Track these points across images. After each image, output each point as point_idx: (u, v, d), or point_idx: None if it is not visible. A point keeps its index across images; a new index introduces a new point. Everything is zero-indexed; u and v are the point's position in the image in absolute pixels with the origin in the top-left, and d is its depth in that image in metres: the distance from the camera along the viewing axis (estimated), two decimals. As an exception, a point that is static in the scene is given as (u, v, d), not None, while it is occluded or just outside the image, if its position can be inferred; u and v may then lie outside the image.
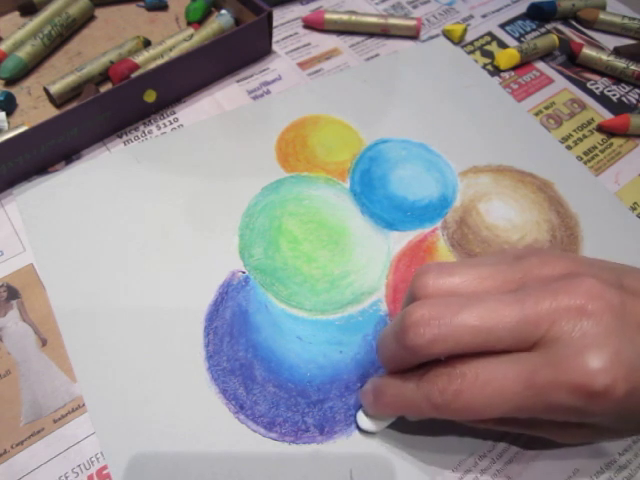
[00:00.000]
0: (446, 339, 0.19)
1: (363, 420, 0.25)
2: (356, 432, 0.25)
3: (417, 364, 0.21)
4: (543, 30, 0.44)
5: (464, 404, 0.20)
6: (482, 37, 0.44)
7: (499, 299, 0.20)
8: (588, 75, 0.41)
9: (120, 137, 0.36)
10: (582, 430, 0.22)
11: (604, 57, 0.41)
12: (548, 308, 0.19)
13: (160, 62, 0.37)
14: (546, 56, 0.42)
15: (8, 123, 0.35)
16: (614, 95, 0.40)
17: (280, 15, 0.44)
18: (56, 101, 0.36)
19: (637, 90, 0.41)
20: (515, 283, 0.21)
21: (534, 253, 0.22)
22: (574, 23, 0.45)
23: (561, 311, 0.19)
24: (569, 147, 0.37)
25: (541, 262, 0.22)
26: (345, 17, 0.42)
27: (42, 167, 0.33)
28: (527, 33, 0.44)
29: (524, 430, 0.23)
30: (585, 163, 0.36)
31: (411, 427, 0.25)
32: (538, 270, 0.21)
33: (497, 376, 0.19)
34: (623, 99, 0.40)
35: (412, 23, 0.42)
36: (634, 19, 0.44)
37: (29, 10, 0.41)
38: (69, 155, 0.34)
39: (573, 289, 0.19)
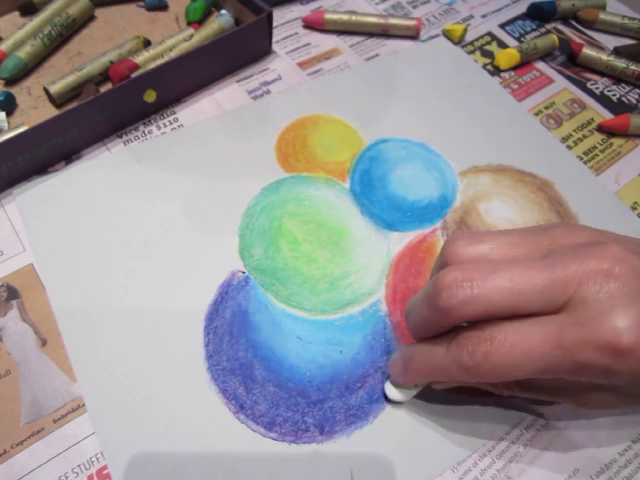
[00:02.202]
0: (478, 300, 0.20)
1: (391, 390, 0.26)
2: (356, 432, 0.25)
3: (448, 329, 0.22)
4: (543, 30, 0.44)
5: (493, 365, 0.20)
6: (482, 37, 0.44)
7: (529, 264, 0.20)
8: (588, 75, 0.41)
9: (120, 137, 0.36)
10: (605, 395, 0.22)
11: (604, 57, 0.41)
12: (576, 270, 0.20)
13: (160, 62, 0.37)
14: (546, 56, 0.42)
15: (8, 123, 0.35)
16: (614, 95, 0.40)
17: (280, 15, 0.44)
18: (56, 101, 0.36)
19: (637, 90, 0.41)
20: (543, 250, 0.21)
21: (559, 225, 0.23)
22: (574, 23, 0.45)
23: (589, 273, 0.20)
24: (569, 147, 0.37)
25: (567, 231, 0.22)
26: (345, 17, 0.42)
27: (42, 167, 0.33)
28: (527, 33, 0.44)
29: (549, 397, 0.23)
30: (585, 163, 0.36)
31: (411, 426, 0.26)
32: (564, 239, 0.22)
33: (525, 337, 0.20)
34: (623, 99, 0.40)
35: (412, 23, 0.42)
36: (634, 19, 0.44)
37: (29, 10, 0.41)
38: (69, 155, 0.34)
39: (601, 254, 0.20)
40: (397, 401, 0.26)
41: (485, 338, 0.20)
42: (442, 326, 0.22)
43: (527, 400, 0.26)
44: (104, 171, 0.34)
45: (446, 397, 0.26)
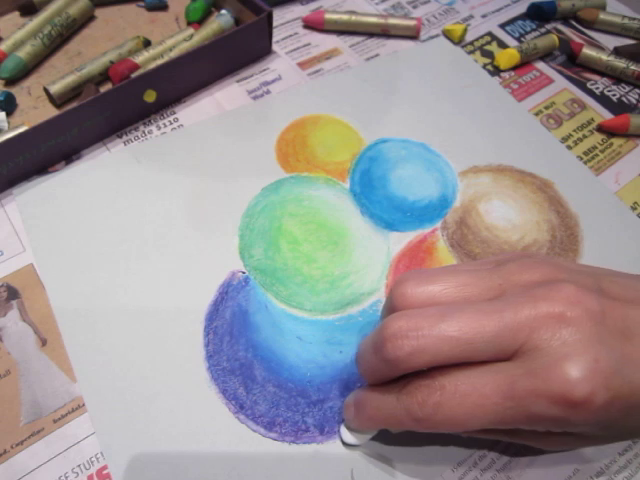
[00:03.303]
0: (425, 351, 0.19)
1: (346, 434, 0.25)
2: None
3: (397, 376, 0.21)
4: (543, 30, 0.44)
5: (444, 417, 0.19)
6: (482, 37, 0.44)
7: (478, 308, 0.19)
8: (588, 75, 0.41)
9: (120, 137, 0.36)
10: (566, 438, 0.21)
11: (604, 57, 0.41)
12: (527, 316, 0.19)
13: (160, 62, 0.37)
14: (546, 56, 0.42)
15: (8, 123, 0.35)
16: (614, 95, 0.40)
17: (280, 15, 0.44)
18: (56, 101, 0.36)
19: (637, 90, 0.41)
20: (495, 290, 0.21)
21: (513, 258, 0.22)
22: (574, 23, 0.45)
23: (540, 319, 0.19)
24: (569, 147, 0.37)
25: (520, 268, 0.21)
26: (345, 17, 0.42)
27: (42, 167, 0.33)
28: (527, 33, 0.44)
29: (508, 438, 0.22)
30: (585, 163, 0.36)
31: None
32: (518, 276, 0.21)
33: (477, 387, 0.19)
34: (623, 99, 0.40)
35: (412, 23, 0.42)
36: (634, 19, 0.44)
37: (29, 10, 0.41)
38: (69, 155, 0.34)
39: (552, 296, 0.19)
40: (353, 445, 0.25)
41: (436, 388, 0.19)
42: (391, 375, 0.21)
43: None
44: (104, 171, 0.34)
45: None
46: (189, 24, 0.41)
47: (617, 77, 0.41)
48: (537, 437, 0.22)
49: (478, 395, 0.19)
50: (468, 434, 0.22)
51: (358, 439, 0.24)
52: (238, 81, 0.39)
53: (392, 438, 0.25)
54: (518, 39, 0.44)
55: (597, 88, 0.41)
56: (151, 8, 0.43)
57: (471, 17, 0.45)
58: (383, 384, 0.22)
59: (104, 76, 0.38)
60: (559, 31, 0.44)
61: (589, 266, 0.23)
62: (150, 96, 0.36)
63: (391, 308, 0.22)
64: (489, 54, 0.42)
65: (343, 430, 0.25)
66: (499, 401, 0.19)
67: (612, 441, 0.23)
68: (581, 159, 0.36)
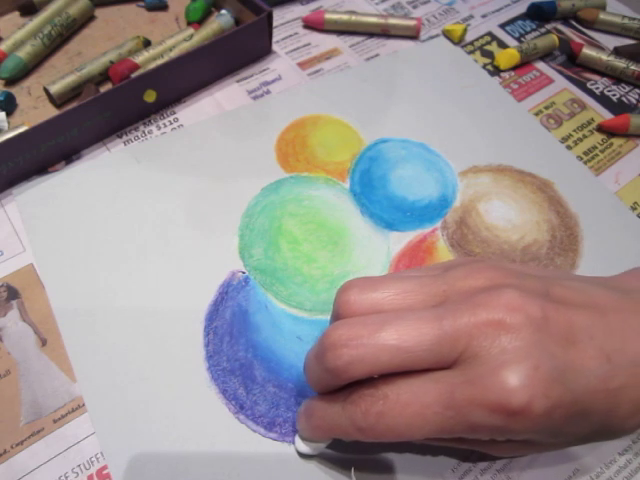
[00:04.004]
0: (364, 360, 0.19)
1: (299, 443, 0.24)
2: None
3: (342, 385, 0.21)
4: (543, 30, 0.44)
5: (386, 427, 0.19)
6: (482, 37, 0.44)
7: (419, 316, 0.19)
8: (588, 75, 0.41)
9: (120, 137, 0.36)
10: (515, 445, 0.21)
11: (604, 57, 0.41)
12: (467, 323, 0.19)
13: (160, 62, 0.37)
14: (546, 56, 0.42)
15: (8, 123, 0.35)
16: (614, 95, 0.40)
17: (280, 15, 0.44)
18: (56, 101, 0.36)
19: (637, 90, 0.41)
20: (439, 296, 0.20)
21: (462, 263, 0.22)
22: (574, 23, 0.45)
23: (479, 326, 0.19)
24: (569, 147, 0.37)
25: (466, 273, 0.21)
26: (345, 17, 0.42)
27: (42, 167, 0.33)
28: (527, 33, 0.44)
29: (459, 445, 0.22)
30: (585, 163, 0.36)
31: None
32: (462, 282, 0.21)
33: (418, 396, 0.19)
34: (623, 99, 0.40)
35: (412, 23, 0.42)
36: (634, 19, 0.44)
37: (29, 10, 0.41)
38: (69, 155, 0.34)
39: (492, 302, 0.19)
40: (306, 454, 0.24)
41: (379, 397, 0.19)
42: (334, 385, 0.21)
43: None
44: (104, 171, 0.34)
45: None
46: (189, 24, 0.41)
47: (617, 77, 0.41)
48: (486, 444, 0.21)
49: (419, 404, 0.19)
50: (422, 441, 0.22)
51: (312, 448, 0.24)
52: (238, 81, 0.39)
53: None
54: (518, 39, 0.44)
55: (597, 88, 0.41)
56: (151, 8, 0.43)
57: (471, 17, 0.45)
58: (330, 393, 0.21)
59: (104, 76, 0.38)
60: (559, 31, 0.44)
61: (544, 270, 0.23)
62: (150, 96, 0.36)
63: (336, 316, 0.21)
64: (489, 54, 0.42)
65: (297, 439, 0.24)
66: (439, 410, 0.18)
67: (567, 446, 0.23)
68: (581, 159, 0.36)
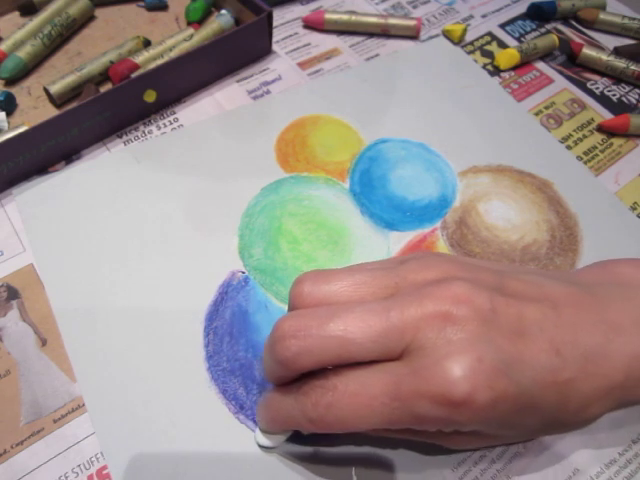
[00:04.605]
0: (311, 351, 0.19)
1: (259, 436, 0.24)
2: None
3: (295, 377, 0.21)
4: (543, 30, 0.44)
5: (335, 418, 0.19)
6: (482, 37, 0.44)
7: (367, 308, 0.19)
8: (588, 75, 0.41)
9: (120, 137, 0.36)
10: (467, 437, 0.21)
11: (604, 57, 0.41)
12: (413, 315, 0.19)
13: (160, 62, 0.37)
14: (546, 56, 0.42)
15: (8, 123, 0.35)
16: (614, 95, 0.40)
17: (280, 15, 0.44)
18: (56, 101, 0.36)
19: (637, 90, 0.41)
20: (390, 289, 0.20)
21: (417, 257, 0.22)
22: (574, 23, 0.45)
23: (426, 318, 0.19)
24: (569, 147, 0.37)
25: (420, 266, 0.21)
26: (345, 17, 0.42)
27: (42, 167, 0.33)
28: (527, 33, 0.44)
29: (413, 437, 0.22)
30: (585, 163, 0.36)
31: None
32: (414, 275, 0.21)
33: (366, 388, 0.19)
34: (623, 99, 0.40)
35: (412, 23, 0.42)
36: (634, 19, 0.44)
37: (29, 10, 0.41)
38: (69, 155, 0.34)
39: (440, 294, 0.19)
40: (266, 447, 0.24)
41: (328, 388, 0.19)
42: (286, 376, 0.21)
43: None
44: (104, 171, 0.34)
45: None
46: (189, 24, 0.41)
47: (617, 77, 0.41)
48: (439, 436, 0.21)
49: (366, 395, 0.19)
50: (377, 433, 0.22)
51: (271, 441, 0.24)
52: (238, 81, 0.39)
53: (393, 437, 0.25)
54: (518, 39, 0.44)
55: (597, 88, 0.41)
56: (151, 8, 0.43)
57: (471, 17, 0.45)
58: (285, 385, 0.22)
59: (104, 76, 0.38)
60: (559, 31, 0.44)
61: (503, 264, 0.23)
62: (150, 96, 0.36)
63: (290, 308, 0.21)
64: (489, 54, 0.42)
65: (257, 432, 0.24)
66: (386, 401, 0.18)
67: (523, 439, 0.23)
68: (581, 159, 0.36)
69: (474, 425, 0.19)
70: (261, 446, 0.25)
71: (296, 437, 0.24)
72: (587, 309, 0.21)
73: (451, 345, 0.18)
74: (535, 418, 0.20)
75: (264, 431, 0.24)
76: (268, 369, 0.22)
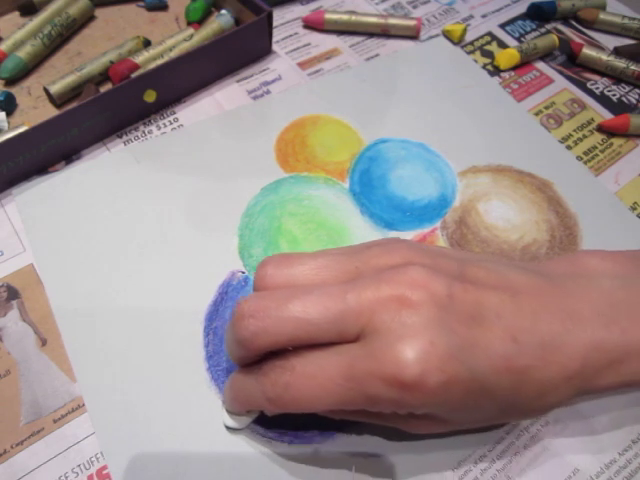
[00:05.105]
0: (269, 331, 0.19)
1: (225, 417, 0.25)
2: (357, 431, 0.25)
3: (255, 357, 0.21)
4: (543, 30, 0.44)
5: (292, 397, 0.20)
6: (482, 37, 0.44)
7: (326, 291, 0.20)
8: (588, 75, 0.41)
9: (120, 137, 0.36)
10: (424, 421, 0.21)
11: (604, 57, 0.41)
12: (370, 298, 0.19)
13: (160, 62, 0.37)
14: (546, 56, 0.42)
15: (8, 123, 0.35)
16: (614, 95, 0.40)
17: (280, 15, 0.44)
18: (56, 101, 0.36)
19: (637, 90, 0.41)
20: (351, 273, 0.21)
21: (381, 243, 0.22)
22: (574, 23, 0.45)
23: (382, 301, 0.19)
24: (569, 147, 0.37)
25: (382, 252, 0.21)
26: (345, 17, 0.42)
27: (42, 167, 0.33)
28: (527, 33, 0.44)
29: (372, 420, 0.22)
30: (585, 163, 0.36)
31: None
32: (376, 260, 0.21)
33: (322, 368, 0.19)
34: (623, 99, 0.40)
35: (412, 23, 0.42)
36: (634, 19, 0.44)
37: (29, 10, 0.41)
38: (69, 155, 0.34)
39: (397, 279, 0.19)
40: (232, 428, 0.25)
41: (287, 368, 0.20)
42: (247, 356, 0.21)
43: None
44: (104, 171, 0.34)
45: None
46: (189, 24, 0.41)
47: (617, 77, 0.41)
48: (397, 420, 0.22)
49: (323, 376, 0.19)
50: (337, 416, 0.22)
51: (237, 422, 0.24)
52: (238, 81, 0.39)
53: (392, 436, 0.25)
54: (518, 39, 0.44)
55: (597, 88, 0.41)
56: (151, 8, 0.43)
57: (471, 17, 0.45)
58: (248, 366, 0.22)
59: (104, 76, 0.38)
60: (559, 31, 0.44)
61: (466, 252, 0.23)
62: (150, 96, 0.36)
63: (254, 290, 0.22)
64: (489, 54, 0.42)
65: (224, 413, 0.25)
66: (341, 382, 0.19)
67: (481, 425, 0.23)
68: (581, 159, 0.36)
69: (426, 408, 0.19)
70: (228, 427, 0.25)
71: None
72: (548, 298, 0.21)
73: (405, 328, 0.18)
74: (490, 403, 0.20)
75: (230, 412, 0.25)
76: (229, 349, 0.22)
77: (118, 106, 0.34)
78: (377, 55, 0.42)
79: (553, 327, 0.20)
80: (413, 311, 0.19)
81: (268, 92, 0.39)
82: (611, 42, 0.44)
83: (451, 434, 0.25)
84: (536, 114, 0.39)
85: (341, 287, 0.20)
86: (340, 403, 0.19)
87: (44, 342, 0.27)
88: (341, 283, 0.20)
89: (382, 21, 0.42)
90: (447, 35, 0.43)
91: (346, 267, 0.21)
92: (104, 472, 0.24)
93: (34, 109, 0.36)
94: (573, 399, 0.22)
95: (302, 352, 0.20)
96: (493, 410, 0.21)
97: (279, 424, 0.25)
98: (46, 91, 0.36)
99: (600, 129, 0.38)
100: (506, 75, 0.41)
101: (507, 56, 0.41)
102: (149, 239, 0.31)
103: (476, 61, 0.42)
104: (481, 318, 0.20)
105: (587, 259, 0.23)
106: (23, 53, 0.37)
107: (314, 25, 0.43)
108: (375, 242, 0.23)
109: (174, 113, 0.37)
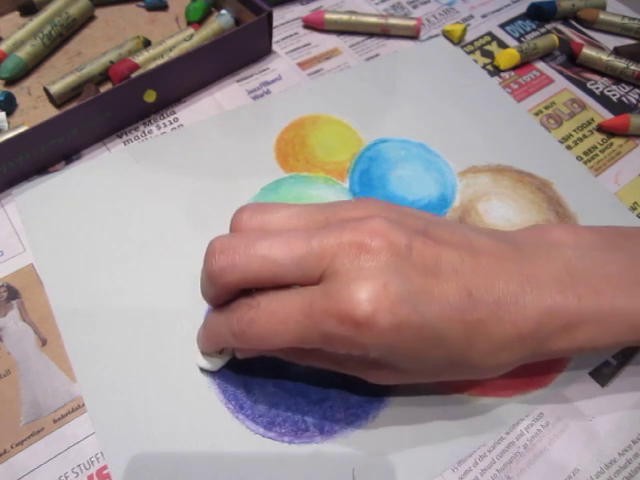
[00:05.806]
0: (236, 268, 0.20)
1: (199, 358, 0.26)
2: (357, 431, 0.25)
3: (226, 296, 0.22)
4: (543, 30, 0.44)
5: (255, 332, 0.21)
6: (482, 37, 0.44)
7: (293, 234, 0.21)
8: (588, 75, 0.41)
9: (120, 137, 0.36)
10: (381, 371, 0.23)
11: (604, 57, 0.41)
12: (332, 243, 0.20)
13: (160, 62, 0.37)
14: (546, 56, 0.42)
15: (8, 123, 0.35)
16: (614, 95, 0.40)
17: (280, 15, 0.44)
18: (56, 101, 0.36)
19: (637, 90, 0.41)
20: (321, 222, 0.22)
21: (353, 200, 0.23)
22: (574, 23, 0.45)
23: (343, 246, 0.20)
24: (569, 147, 0.37)
25: (352, 206, 0.23)
26: (345, 17, 0.42)
27: (42, 167, 0.33)
28: (527, 33, 0.44)
29: (336, 367, 0.24)
30: (585, 163, 0.36)
31: (411, 426, 0.26)
32: (344, 212, 0.22)
33: (284, 306, 0.20)
34: (623, 99, 0.40)
35: (412, 23, 0.42)
36: (634, 19, 0.44)
37: (29, 10, 0.41)
38: (69, 155, 0.34)
39: (359, 227, 0.21)
40: (205, 369, 0.26)
41: (252, 305, 0.21)
42: (216, 294, 0.22)
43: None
44: (104, 171, 0.34)
45: (447, 396, 0.26)
46: (189, 24, 0.42)
47: (617, 77, 0.41)
48: (358, 367, 0.23)
49: (284, 313, 0.20)
50: (302, 361, 0.24)
51: (210, 364, 0.26)
52: (238, 81, 0.39)
53: (392, 436, 0.25)
54: (518, 39, 0.44)
55: (597, 88, 0.41)
56: (151, 8, 0.43)
57: (471, 17, 0.45)
58: (220, 305, 0.23)
59: (104, 76, 0.38)
60: (559, 31, 0.45)
61: (436, 216, 0.24)
62: (150, 96, 0.36)
63: (229, 232, 0.23)
64: (489, 54, 0.42)
65: (197, 354, 0.26)
66: (300, 319, 0.20)
67: (434, 378, 0.24)
68: (581, 159, 0.36)
69: (378, 350, 0.20)
70: (201, 368, 0.26)
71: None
72: (508, 261, 0.22)
73: (362, 271, 0.20)
74: (442, 352, 0.21)
75: (203, 353, 0.26)
76: (202, 288, 0.23)
77: (118, 106, 0.34)
78: (377, 55, 0.42)
79: (510, 287, 0.21)
80: (370, 256, 0.20)
81: (268, 92, 0.39)
82: (611, 42, 0.44)
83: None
84: (536, 114, 0.39)
85: (308, 233, 0.21)
86: (298, 340, 0.20)
87: (44, 342, 0.27)
88: (309, 229, 0.22)
89: (382, 21, 0.42)
90: (447, 35, 0.43)
91: (316, 217, 0.22)
92: (104, 472, 0.24)
93: (34, 109, 0.36)
94: (526, 360, 0.23)
95: (268, 291, 0.21)
96: (444, 359, 0.22)
97: (279, 424, 0.25)
98: (46, 91, 0.36)
99: (600, 129, 0.38)
100: (506, 75, 0.41)
101: (507, 56, 0.41)
102: (149, 239, 0.31)
103: (476, 61, 0.42)
104: (438, 270, 0.21)
105: (552, 230, 0.25)
106: (23, 53, 0.37)
107: (314, 25, 0.43)
108: (349, 200, 0.24)
109: (174, 113, 0.37)
